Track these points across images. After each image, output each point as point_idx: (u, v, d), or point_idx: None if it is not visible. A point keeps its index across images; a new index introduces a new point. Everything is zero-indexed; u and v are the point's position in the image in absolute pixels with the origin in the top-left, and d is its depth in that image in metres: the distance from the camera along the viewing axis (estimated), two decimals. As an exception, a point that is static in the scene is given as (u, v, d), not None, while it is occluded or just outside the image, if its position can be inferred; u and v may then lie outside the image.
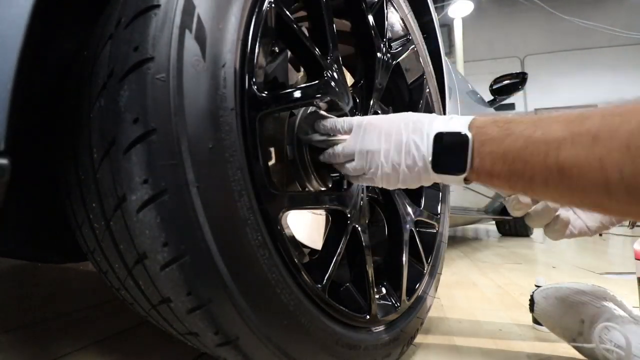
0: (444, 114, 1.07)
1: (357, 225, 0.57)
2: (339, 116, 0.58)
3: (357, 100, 0.68)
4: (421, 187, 0.88)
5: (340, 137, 0.53)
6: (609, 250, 2.45)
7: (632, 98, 0.33)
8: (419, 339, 0.76)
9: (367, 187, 0.66)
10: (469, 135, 0.42)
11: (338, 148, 0.53)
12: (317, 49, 0.54)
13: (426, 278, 0.77)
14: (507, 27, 7.73)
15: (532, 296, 0.80)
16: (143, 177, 0.34)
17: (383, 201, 0.71)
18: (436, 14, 1.13)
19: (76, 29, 0.50)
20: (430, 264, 0.80)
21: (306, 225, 0.76)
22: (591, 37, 7.27)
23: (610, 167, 0.30)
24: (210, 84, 0.37)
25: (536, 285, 0.81)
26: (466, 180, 0.44)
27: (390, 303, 0.65)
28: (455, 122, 0.45)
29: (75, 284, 1.29)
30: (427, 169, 0.45)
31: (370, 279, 0.58)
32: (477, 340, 0.77)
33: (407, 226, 0.72)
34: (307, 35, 0.54)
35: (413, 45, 0.88)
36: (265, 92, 0.44)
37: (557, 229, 0.57)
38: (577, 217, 0.60)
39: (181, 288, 0.35)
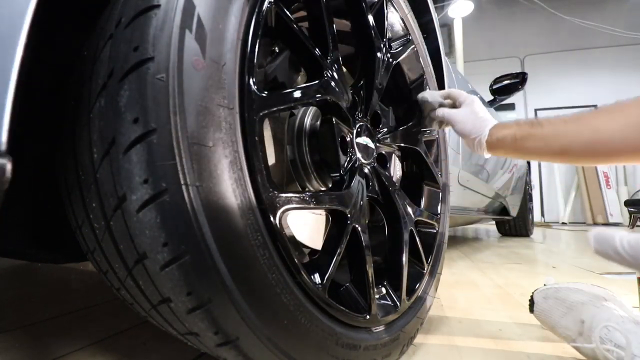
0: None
1: (357, 225, 0.57)
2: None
3: (357, 100, 0.68)
4: (421, 187, 0.89)
5: None
6: (609, 250, 2.45)
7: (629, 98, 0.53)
8: (419, 339, 0.76)
9: (367, 187, 0.66)
10: None
11: None
12: (317, 49, 0.54)
13: (426, 278, 0.77)
14: (507, 27, 7.73)
15: (532, 296, 0.80)
16: (143, 177, 0.34)
17: (383, 201, 0.71)
18: (436, 14, 1.13)
19: (77, 28, 0.50)
20: (430, 264, 0.80)
21: (306, 225, 0.76)
22: (591, 37, 7.26)
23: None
24: (210, 84, 0.37)
25: (545, 285, 0.81)
26: None
27: (390, 303, 0.65)
28: None
29: (75, 284, 1.29)
30: None
31: (370, 279, 0.58)
32: (477, 340, 0.77)
33: (407, 226, 0.72)
34: (307, 35, 0.54)
35: (413, 45, 0.88)
36: (265, 92, 0.44)
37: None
38: None
39: (181, 288, 0.35)
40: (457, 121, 0.73)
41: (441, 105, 0.78)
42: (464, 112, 0.73)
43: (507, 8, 7.62)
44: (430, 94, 0.80)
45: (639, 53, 7.31)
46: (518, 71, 2.50)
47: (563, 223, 6.72)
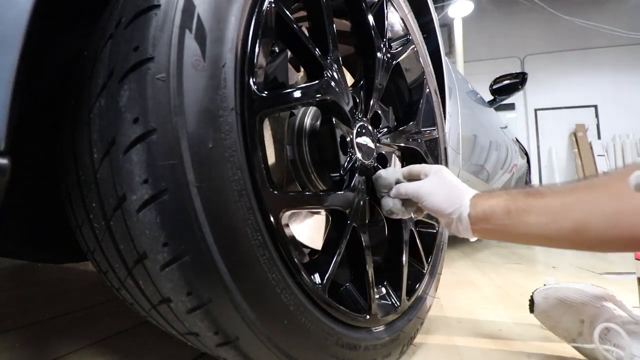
0: (444, 114, 1.07)
1: (357, 225, 0.57)
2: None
3: (357, 100, 0.68)
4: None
5: None
6: (609, 250, 2.45)
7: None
8: (419, 339, 0.76)
9: (367, 186, 0.66)
10: None
11: None
12: (317, 49, 0.54)
13: (426, 278, 0.77)
14: (507, 27, 7.72)
15: (532, 296, 0.80)
16: (143, 177, 0.34)
17: (383, 201, 0.71)
18: (436, 14, 1.13)
19: (76, 28, 0.50)
20: (430, 264, 0.80)
21: (306, 225, 0.76)
22: (591, 37, 7.25)
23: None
24: (210, 84, 0.37)
25: (545, 285, 0.81)
26: None
27: (390, 303, 0.65)
28: None
29: (75, 284, 1.29)
30: None
31: (370, 279, 0.58)
32: (477, 340, 0.77)
33: (407, 226, 0.72)
34: (307, 35, 0.54)
35: (413, 45, 0.88)
36: (265, 92, 0.44)
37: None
38: None
39: (181, 288, 0.35)
40: (424, 194, 0.58)
41: (398, 182, 0.63)
42: (431, 182, 0.59)
43: (507, 8, 7.61)
44: (386, 171, 0.64)
45: (639, 53, 7.30)
46: (518, 71, 2.50)
47: (563, 223, 6.72)
